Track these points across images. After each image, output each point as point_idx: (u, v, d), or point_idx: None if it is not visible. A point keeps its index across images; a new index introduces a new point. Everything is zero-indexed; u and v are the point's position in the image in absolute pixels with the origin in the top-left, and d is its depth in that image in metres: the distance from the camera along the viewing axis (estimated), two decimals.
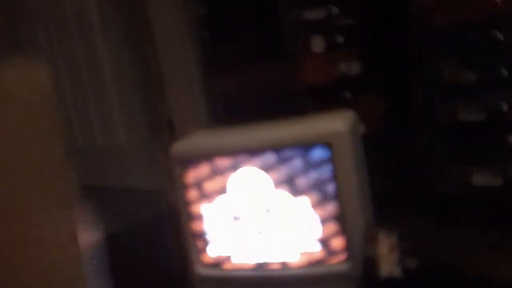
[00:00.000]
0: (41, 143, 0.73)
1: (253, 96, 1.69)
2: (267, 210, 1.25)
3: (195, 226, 1.33)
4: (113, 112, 2.81)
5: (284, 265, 1.25)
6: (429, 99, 1.57)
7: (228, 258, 1.31)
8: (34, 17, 2.85)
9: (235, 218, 1.29)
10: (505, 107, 1.44)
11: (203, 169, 1.29)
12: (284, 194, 1.22)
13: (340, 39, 1.68)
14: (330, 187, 1.18)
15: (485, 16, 1.43)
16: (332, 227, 1.19)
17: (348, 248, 1.18)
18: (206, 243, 1.32)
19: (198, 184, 1.30)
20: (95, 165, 3.02)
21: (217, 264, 1.32)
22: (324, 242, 1.21)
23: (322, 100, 1.58)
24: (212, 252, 1.33)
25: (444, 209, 1.54)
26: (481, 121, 1.48)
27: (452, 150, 1.54)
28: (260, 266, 1.28)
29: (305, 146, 1.20)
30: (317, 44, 1.61)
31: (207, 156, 1.29)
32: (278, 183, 1.22)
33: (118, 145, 2.84)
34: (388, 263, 1.11)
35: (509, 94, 1.45)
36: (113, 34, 2.50)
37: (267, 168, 1.23)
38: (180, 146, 1.36)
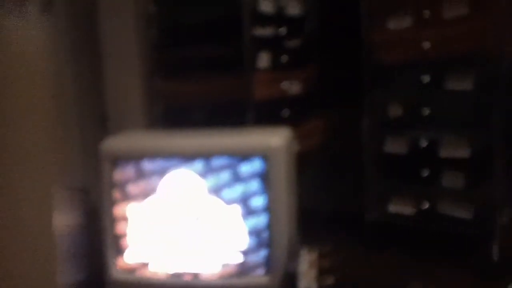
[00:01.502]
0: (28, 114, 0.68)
1: (196, 103, 1.67)
2: (197, 218, 1.24)
3: (117, 228, 1.28)
4: None
5: (201, 276, 1.24)
6: (361, 128, 1.66)
7: (146, 264, 1.28)
8: None
9: (160, 224, 1.26)
10: (423, 143, 1.57)
11: (132, 169, 1.25)
12: (216, 201, 1.22)
13: (285, 58, 1.73)
14: (260, 200, 1.20)
15: (417, 59, 1.56)
16: (257, 239, 1.21)
17: (270, 261, 1.20)
18: (125, 247, 1.28)
19: (126, 185, 1.26)
20: None
21: (133, 269, 1.28)
22: (247, 253, 1.22)
23: (264, 115, 1.61)
24: (131, 257, 1.28)
25: (366, 233, 1.62)
26: (403, 154, 1.59)
27: (378, 179, 1.64)
28: (176, 275, 1.25)
29: (239, 156, 1.21)
30: (263, 60, 1.64)
31: (138, 156, 1.26)
32: (210, 190, 1.22)
33: None
34: (307, 279, 1.15)
35: (428, 131, 1.57)
36: (52, 15, 2.36)
37: (200, 174, 1.22)
38: (111, 144, 1.31)
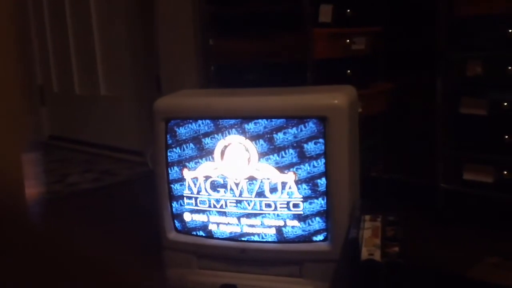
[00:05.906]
0: None
1: (252, 62, 1.60)
2: (250, 181, 1.18)
3: (172, 189, 1.26)
4: (95, 63, 2.70)
5: (260, 239, 1.20)
6: (435, 89, 1.52)
7: (203, 225, 1.25)
8: None
9: (215, 186, 1.22)
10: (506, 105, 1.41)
11: (186, 130, 1.21)
12: (268, 167, 1.16)
13: (350, 13, 1.60)
14: (319, 164, 1.12)
15: (504, 11, 1.38)
16: (315, 205, 1.14)
17: (328, 228, 1.13)
18: (181, 208, 1.26)
19: (180, 146, 1.23)
20: (70, 116, 2.92)
21: (189, 230, 1.26)
22: (305, 219, 1.15)
23: (325, 75, 1.50)
24: (186, 218, 1.26)
25: (436, 202, 1.51)
26: (482, 116, 1.44)
27: (450, 144, 1.51)
28: (234, 237, 1.22)
29: (297, 117, 1.13)
30: (325, 15, 1.52)
31: (192, 116, 1.21)
32: (263, 155, 1.15)
33: (97, 98, 2.73)
34: (369, 247, 1.07)
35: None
36: None
37: (254, 138, 1.16)
38: (164, 103, 1.27)
